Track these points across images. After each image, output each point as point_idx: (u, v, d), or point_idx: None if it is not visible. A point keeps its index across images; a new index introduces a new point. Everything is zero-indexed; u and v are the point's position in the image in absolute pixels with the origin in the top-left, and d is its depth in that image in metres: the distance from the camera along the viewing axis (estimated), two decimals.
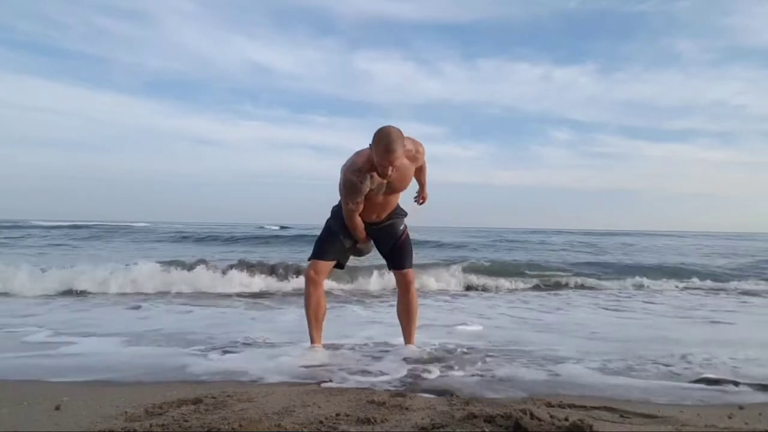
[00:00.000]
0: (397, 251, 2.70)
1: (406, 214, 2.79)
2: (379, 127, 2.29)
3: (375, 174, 2.37)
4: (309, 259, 2.67)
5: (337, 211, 2.70)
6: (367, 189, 2.41)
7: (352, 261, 2.89)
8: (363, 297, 5.38)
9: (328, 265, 2.66)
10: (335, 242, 2.64)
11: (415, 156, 2.54)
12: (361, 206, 2.50)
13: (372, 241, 2.74)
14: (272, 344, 2.98)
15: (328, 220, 2.73)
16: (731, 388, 2.01)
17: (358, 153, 2.43)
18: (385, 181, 2.43)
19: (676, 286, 7.08)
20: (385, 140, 2.25)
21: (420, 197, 2.88)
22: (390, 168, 2.29)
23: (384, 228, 2.70)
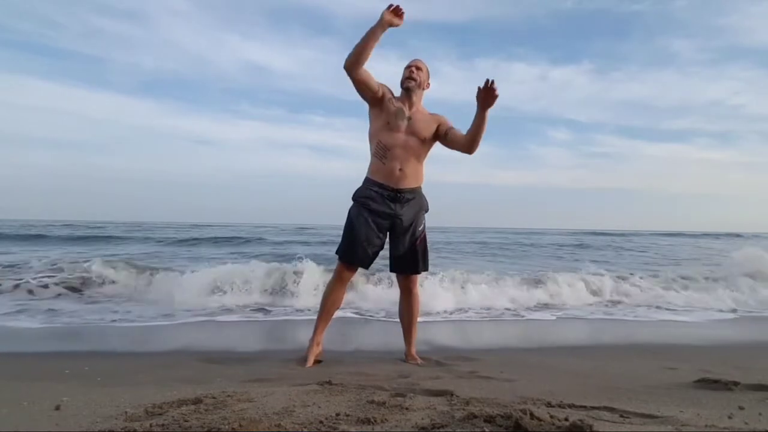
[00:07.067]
0: (412, 253, 2.63)
1: (428, 209, 2.72)
2: None
3: (397, 101, 2.58)
4: (340, 258, 2.59)
5: (358, 194, 2.61)
6: (389, 94, 2.57)
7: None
8: (364, 297, 5.38)
9: (357, 266, 2.62)
10: (360, 242, 2.54)
11: (439, 116, 2.66)
12: (374, 83, 2.50)
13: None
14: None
15: (350, 210, 2.62)
16: (731, 388, 2.01)
17: None
18: (407, 114, 2.54)
19: None
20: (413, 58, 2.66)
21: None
22: (413, 69, 2.58)
23: (408, 217, 2.60)
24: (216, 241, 15.87)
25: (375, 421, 1.46)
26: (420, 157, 2.61)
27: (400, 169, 2.54)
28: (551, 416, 1.43)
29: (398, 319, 2.83)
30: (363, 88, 2.49)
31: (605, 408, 1.66)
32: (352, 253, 2.56)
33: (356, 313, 4.55)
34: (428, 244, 2.72)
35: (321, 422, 1.45)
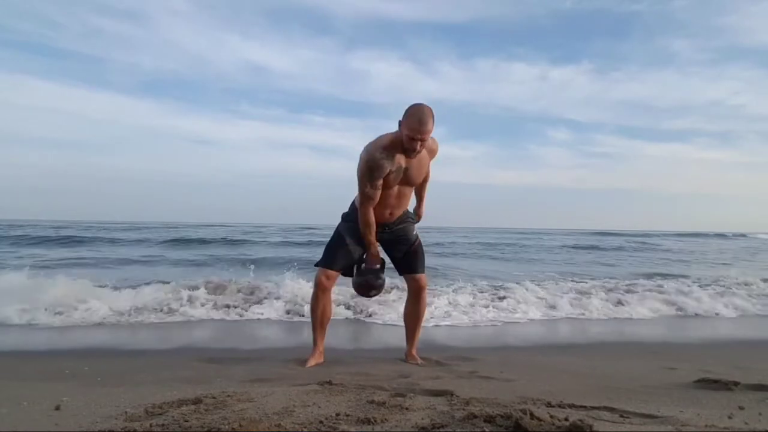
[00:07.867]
0: (411, 255, 2.67)
1: (416, 220, 2.76)
2: (411, 104, 2.34)
3: (396, 156, 2.40)
4: (318, 266, 2.61)
5: (347, 216, 2.65)
6: (388, 170, 2.40)
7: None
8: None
9: (337, 272, 2.62)
10: (344, 249, 2.58)
11: (432, 148, 2.56)
12: (378, 193, 2.43)
13: (381, 274, 2.59)
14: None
15: (338, 226, 2.68)
16: (731, 388, 2.01)
17: (381, 135, 2.43)
18: (404, 166, 2.44)
19: None
20: (419, 113, 2.31)
21: (417, 215, 2.80)
22: (418, 143, 2.33)
23: (396, 232, 2.65)
24: (183, 243, 15.12)
25: (375, 421, 1.46)
26: (410, 196, 2.65)
27: (390, 213, 2.59)
28: (551, 416, 1.43)
29: (399, 321, 2.83)
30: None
31: (605, 408, 1.66)
32: (333, 259, 2.59)
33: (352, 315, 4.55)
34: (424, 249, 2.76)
35: (321, 422, 1.45)
